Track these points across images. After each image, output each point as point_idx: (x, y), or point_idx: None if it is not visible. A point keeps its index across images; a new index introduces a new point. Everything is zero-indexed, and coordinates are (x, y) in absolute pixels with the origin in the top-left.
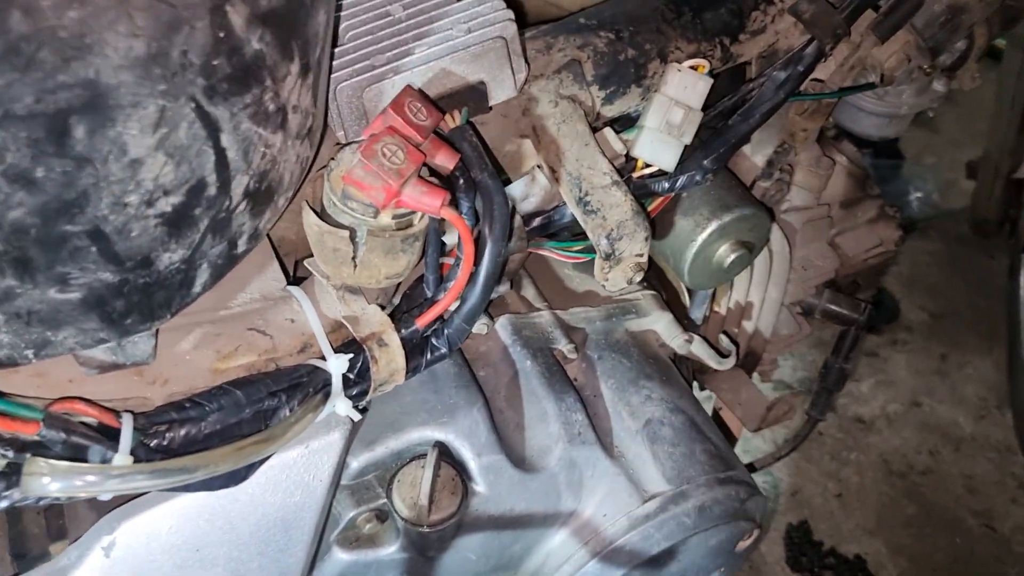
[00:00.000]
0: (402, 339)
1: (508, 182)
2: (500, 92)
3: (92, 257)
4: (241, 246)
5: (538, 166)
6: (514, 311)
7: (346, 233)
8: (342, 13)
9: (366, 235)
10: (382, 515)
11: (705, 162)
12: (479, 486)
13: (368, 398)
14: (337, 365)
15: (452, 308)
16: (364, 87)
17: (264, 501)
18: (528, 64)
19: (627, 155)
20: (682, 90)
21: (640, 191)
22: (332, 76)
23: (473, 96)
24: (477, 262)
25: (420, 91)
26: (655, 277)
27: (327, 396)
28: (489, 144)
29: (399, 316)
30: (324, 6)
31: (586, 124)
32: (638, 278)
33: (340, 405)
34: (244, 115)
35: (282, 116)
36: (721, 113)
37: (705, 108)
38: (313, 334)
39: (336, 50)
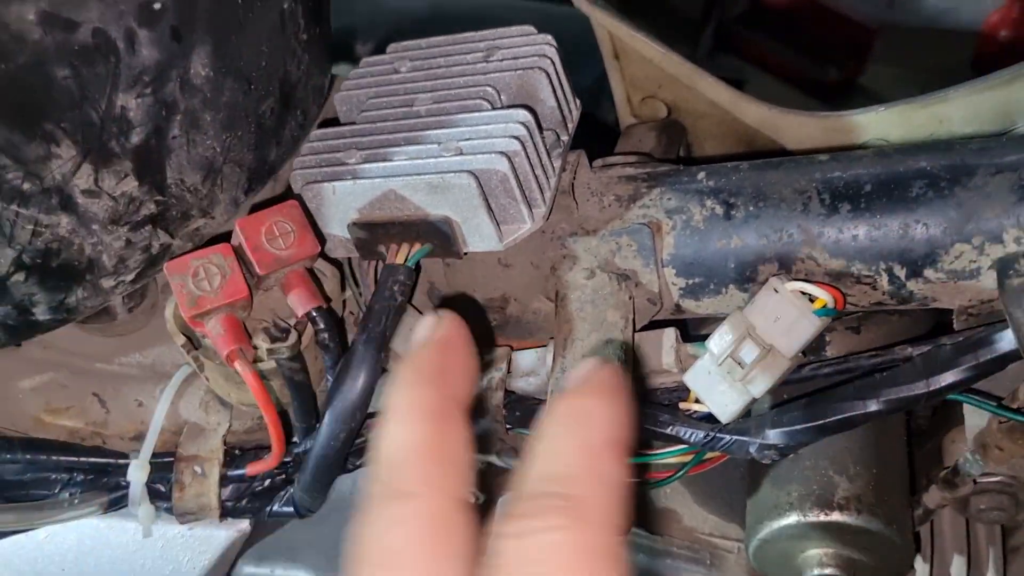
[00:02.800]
0: (227, 478)
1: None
2: (478, 240)
3: None
4: (40, 314)
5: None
6: None
7: (181, 338)
8: (371, 90)
9: (201, 352)
10: None
11: (771, 434)
12: None
13: (182, 522)
14: (136, 475)
15: None
16: (303, 183)
17: (135, 558)
18: (577, 205)
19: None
20: (771, 321)
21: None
22: (300, 158)
23: (436, 235)
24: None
25: (303, 210)
26: None
27: (124, 496)
28: (510, 295)
29: (253, 454)
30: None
31: (624, 314)
32: None
33: (142, 513)
34: None
35: (62, 199)
36: (846, 372)
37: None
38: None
39: (334, 129)
